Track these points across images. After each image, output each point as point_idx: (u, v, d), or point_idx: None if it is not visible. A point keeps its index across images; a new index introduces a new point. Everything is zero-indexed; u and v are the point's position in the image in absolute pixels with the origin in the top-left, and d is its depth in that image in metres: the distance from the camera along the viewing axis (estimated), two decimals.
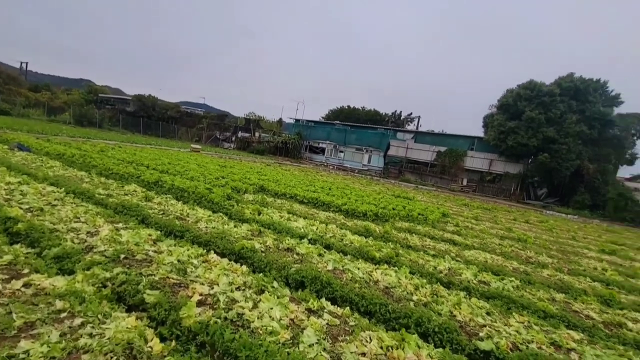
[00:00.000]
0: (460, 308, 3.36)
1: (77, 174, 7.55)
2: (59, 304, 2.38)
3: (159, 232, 4.30)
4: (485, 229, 9.61)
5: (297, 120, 43.25)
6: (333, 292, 3.39)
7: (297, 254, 4.39)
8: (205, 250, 3.92)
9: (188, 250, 3.75)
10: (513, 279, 4.66)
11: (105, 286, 2.89)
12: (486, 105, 43.81)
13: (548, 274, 5.54)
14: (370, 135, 35.98)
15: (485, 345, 2.74)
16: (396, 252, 5.13)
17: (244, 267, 3.61)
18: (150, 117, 46.34)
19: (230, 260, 3.89)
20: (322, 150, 39.76)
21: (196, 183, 7.90)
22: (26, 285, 2.59)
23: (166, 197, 6.46)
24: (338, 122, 40.39)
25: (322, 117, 63.05)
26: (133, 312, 2.66)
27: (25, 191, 5.08)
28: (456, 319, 3.19)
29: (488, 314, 3.37)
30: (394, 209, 9.49)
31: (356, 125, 39.73)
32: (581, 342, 3.12)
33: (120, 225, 4.33)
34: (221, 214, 5.92)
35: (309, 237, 5.25)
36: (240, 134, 46.22)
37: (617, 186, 24.69)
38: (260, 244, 4.50)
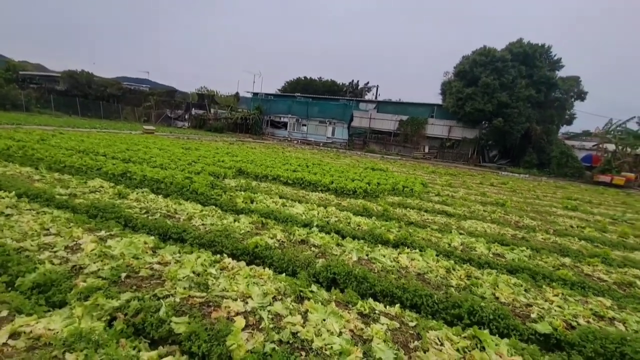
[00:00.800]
0: (499, 288, 3.30)
1: (21, 170, 6.32)
2: (70, 358, 1.83)
3: (152, 238, 3.67)
4: (465, 196, 9.95)
5: (255, 94, 41.19)
6: (371, 288, 3.13)
7: (314, 245, 4.04)
8: (216, 255, 3.42)
9: (199, 257, 3.23)
10: (524, 248, 4.76)
11: (114, 318, 2.34)
12: (440, 72, 45.07)
13: (542, 238, 5.80)
14: (333, 107, 35.47)
15: (542, 328, 2.68)
16: (408, 231, 4.98)
17: (268, 270, 3.20)
18: (87, 97, 41.45)
19: (246, 262, 3.44)
20: (284, 125, 38.60)
21: (171, 172, 7.06)
22: (14, 335, 1.98)
23: (142, 192, 5.64)
24: (299, 94, 39.14)
25: (279, 90, 61.01)
26: (161, 347, 2.18)
27: None
28: (500, 300, 3.12)
29: (526, 291, 3.34)
30: (378, 183, 9.39)
31: (318, 97, 38.83)
32: (613, 308, 3.22)
33: (103, 233, 3.63)
34: (213, 206, 5.31)
35: (316, 224, 4.91)
36: (193, 111, 43.18)
37: (560, 145, 27.16)
38: (272, 238, 4.07)
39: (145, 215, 4.49)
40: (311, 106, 36.22)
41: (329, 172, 10.77)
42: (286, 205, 5.98)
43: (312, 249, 3.95)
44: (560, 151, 26.54)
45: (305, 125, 37.14)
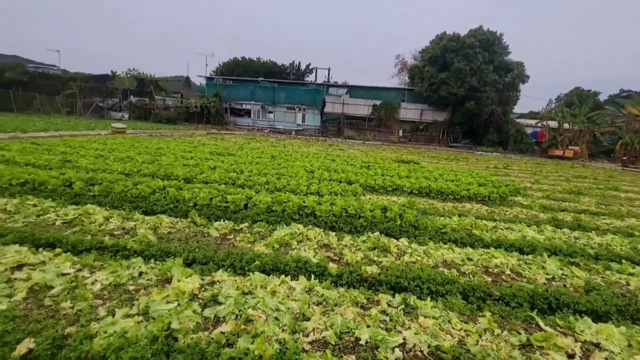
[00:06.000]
0: None
1: (172, 222, 4.37)
2: None
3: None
4: (542, 188, 10.39)
5: (210, 79, 36.93)
6: None
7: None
8: None
9: None
10: None
11: None
12: (386, 52, 46.33)
13: None
14: (303, 93, 33.85)
15: None
16: None
17: None
18: None
19: None
20: (247, 112, 35.69)
21: (331, 199, 5.68)
22: None
23: (374, 236, 4.40)
24: (262, 78, 36.27)
25: (212, 72, 56.14)
26: None
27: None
28: None
29: None
30: (484, 185, 9.16)
31: (285, 82, 36.59)
32: None
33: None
34: (470, 247, 4.41)
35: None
36: (132, 98, 36.88)
37: (515, 124, 30.64)
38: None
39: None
40: (278, 92, 34.01)
41: (397, 172, 10.12)
42: (501, 229, 5.33)
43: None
44: (515, 130, 29.99)
45: (271, 112, 34.87)
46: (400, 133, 31.88)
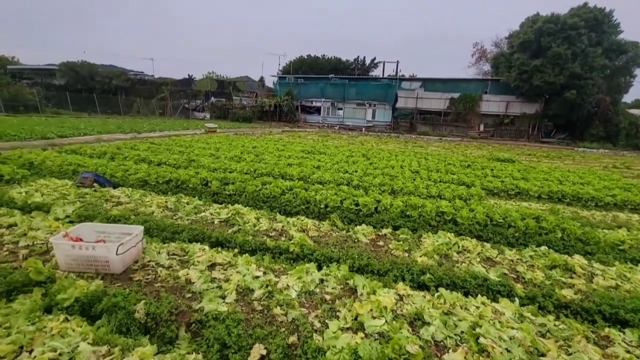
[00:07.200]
0: None
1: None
2: None
3: None
4: None
5: (282, 78, 38.25)
6: None
7: None
8: None
9: None
10: None
11: None
12: (454, 38, 42.78)
13: None
14: (373, 88, 33.09)
15: None
16: None
17: None
18: (92, 91, 37.67)
19: None
20: (317, 110, 36.14)
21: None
22: None
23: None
24: (333, 75, 36.43)
25: (279, 71, 57.84)
26: None
27: None
28: None
29: None
30: (627, 189, 7.78)
31: (355, 77, 36.27)
32: None
33: None
34: None
35: None
36: (213, 99, 39.97)
37: (628, 115, 26.07)
38: None
39: None
40: (348, 88, 33.72)
41: (508, 172, 9.07)
42: None
43: None
44: (629, 122, 25.52)
45: (341, 109, 34.79)
46: (481, 128, 29.32)
